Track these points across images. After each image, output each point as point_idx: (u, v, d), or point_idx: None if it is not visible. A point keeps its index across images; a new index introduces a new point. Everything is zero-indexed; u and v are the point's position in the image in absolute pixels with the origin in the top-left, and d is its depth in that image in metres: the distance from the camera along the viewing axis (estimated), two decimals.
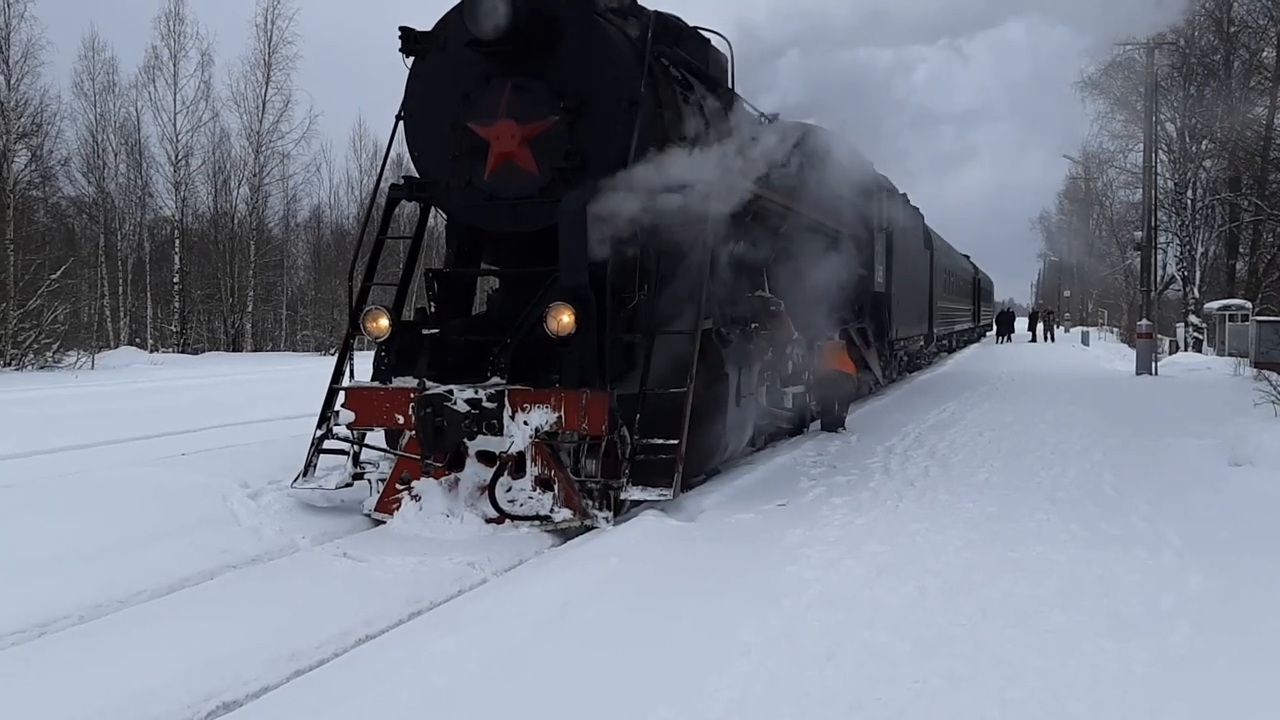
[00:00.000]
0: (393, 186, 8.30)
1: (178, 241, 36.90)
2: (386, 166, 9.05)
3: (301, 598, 5.46)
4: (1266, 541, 6.34)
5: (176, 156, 37.22)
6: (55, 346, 25.68)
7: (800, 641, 4.44)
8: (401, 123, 8.22)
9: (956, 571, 5.61)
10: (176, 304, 36.90)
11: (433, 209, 8.75)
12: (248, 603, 5.39)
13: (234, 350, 37.54)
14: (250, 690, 4.23)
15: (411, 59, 8.13)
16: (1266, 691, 3.95)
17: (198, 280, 38.74)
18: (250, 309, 39.03)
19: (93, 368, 25.90)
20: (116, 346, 32.15)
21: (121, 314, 36.15)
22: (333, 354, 35.85)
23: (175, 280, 36.78)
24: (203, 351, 36.22)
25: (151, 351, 33.15)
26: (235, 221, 39.64)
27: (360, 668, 4.21)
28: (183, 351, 35.32)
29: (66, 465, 8.99)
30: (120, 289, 36.20)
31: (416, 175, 8.27)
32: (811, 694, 3.85)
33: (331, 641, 4.77)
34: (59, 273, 26.54)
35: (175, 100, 37.16)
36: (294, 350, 39.68)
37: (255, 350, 38.36)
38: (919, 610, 4.94)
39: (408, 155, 8.33)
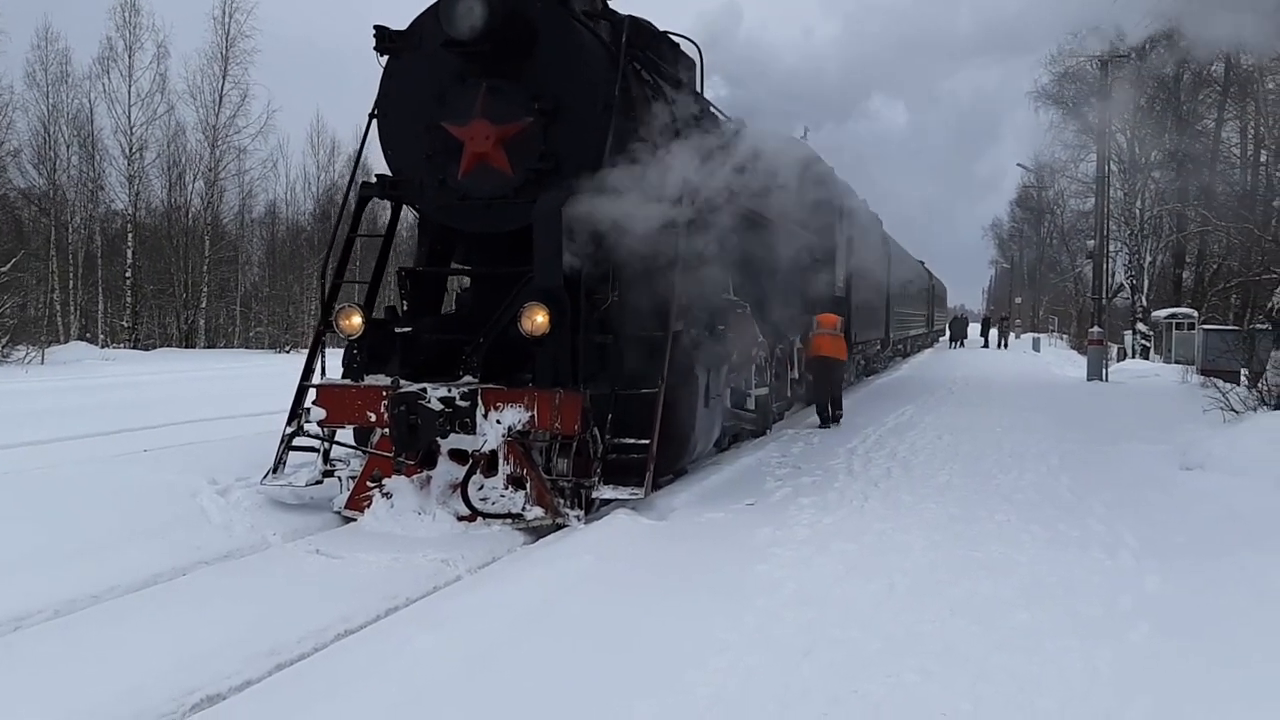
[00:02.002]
0: (365, 184, 8.31)
1: (130, 236, 36.31)
2: (357, 165, 9.02)
3: (277, 594, 5.47)
4: (1219, 544, 6.54)
5: (131, 149, 36.65)
6: (4, 341, 25.19)
7: (776, 638, 4.55)
8: (375, 121, 8.22)
9: (923, 570, 5.75)
10: (128, 299, 36.31)
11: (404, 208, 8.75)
12: (223, 599, 5.39)
13: (187, 346, 37.04)
14: (232, 684, 4.24)
15: (386, 58, 8.14)
16: (1225, 688, 4.10)
17: (150, 275, 38.16)
18: (204, 305, 38.52)
19: (42, 363, 25.44)
20: (67, 341, 31.55)
21: (72, 308, 35.50)
22: (287, 351, 35.64)
23: (127, 275, 36.20)
24: (155, 347, 35.70)
25: (103, 347, 32.60)
26: (189, 216, 39.10)
27: (342, 663, 4.25)
28: (135, 347, 34.76)
29: (25, 462, 8.86)
30: (71, 283, 35.54)
31: (388, 174, 8.27)
32: (791, 688, 3.95)
33: (310, 637, 4.79)
34: (9, 265, 26.04)
35: (130, 92, 36.60)
36: (247, 347, 39.22)
37: (208, 347, 37.90)
38: (889, 608, 5.07)
39: (371, 154, 8.32)
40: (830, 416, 13.09)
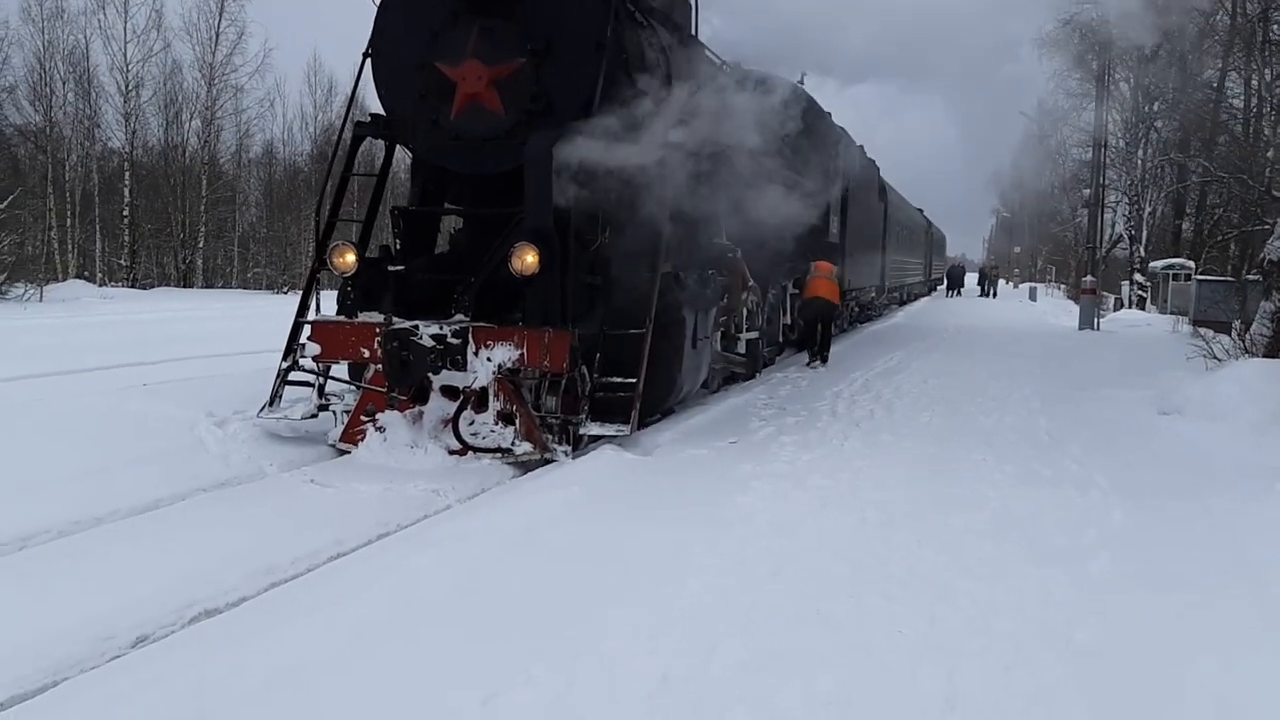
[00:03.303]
0: (358, 124, 8.38)
1: (128, 174, 36.21)
2: (351, 104, 9.08)
3: (272, 518, 5.68)
4: (1186, 484, 6.75)
5: (127, 87, 36.41)
6: (2, 278, 25.27)
7: (749, 562, 4.76)
8: (368, 60, 8.28)
9: (895, 505, 5.96)
10: (126, 238, 36.30)
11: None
12: (220, 523, 5.60)
13: (185, 286, 37.08)
14: (229, 600, 4.45)
15: None
16: (1171, 610, 4.32)
17: (147, 214, 38.08)
18: (201, 245, 38.51)
19: (41, 300, 25.55)
20: (64, 279, 31.62)
21: (70, 247, 35.50)
22: (285, 292, 35.68)
23: (124, 214, 36.15)
24: (152, 287, 35.75)
25: (101, 285, 32.67)
26: (186, 155, 38.94)
27: (337, 580, 4.46)
28: (132, 286, 34.83)
29: (27, 394, 9.03)
30: (68, 221, 35.51)
31: (383, 113, 8.36)
32: (759, 606, 4.17)
33: (304, 558, 5.00)
34: (6, 203, 26.04)
35: (126, 29, 36.26)
36: (245, 288, 39.27)
37: (206, 287, 37.94)
38: (859, 539, 5.28)
39: (366, 94, 8.38)
40: (817, 355, 13.39)
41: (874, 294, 24.35)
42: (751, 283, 11.09)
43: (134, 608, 4.27)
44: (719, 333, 10.02)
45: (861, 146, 19.57)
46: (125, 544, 5.19)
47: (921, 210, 40.52)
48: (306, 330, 7.75)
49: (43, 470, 6.20)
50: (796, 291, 14.85)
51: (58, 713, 3.07)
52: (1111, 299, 32.56)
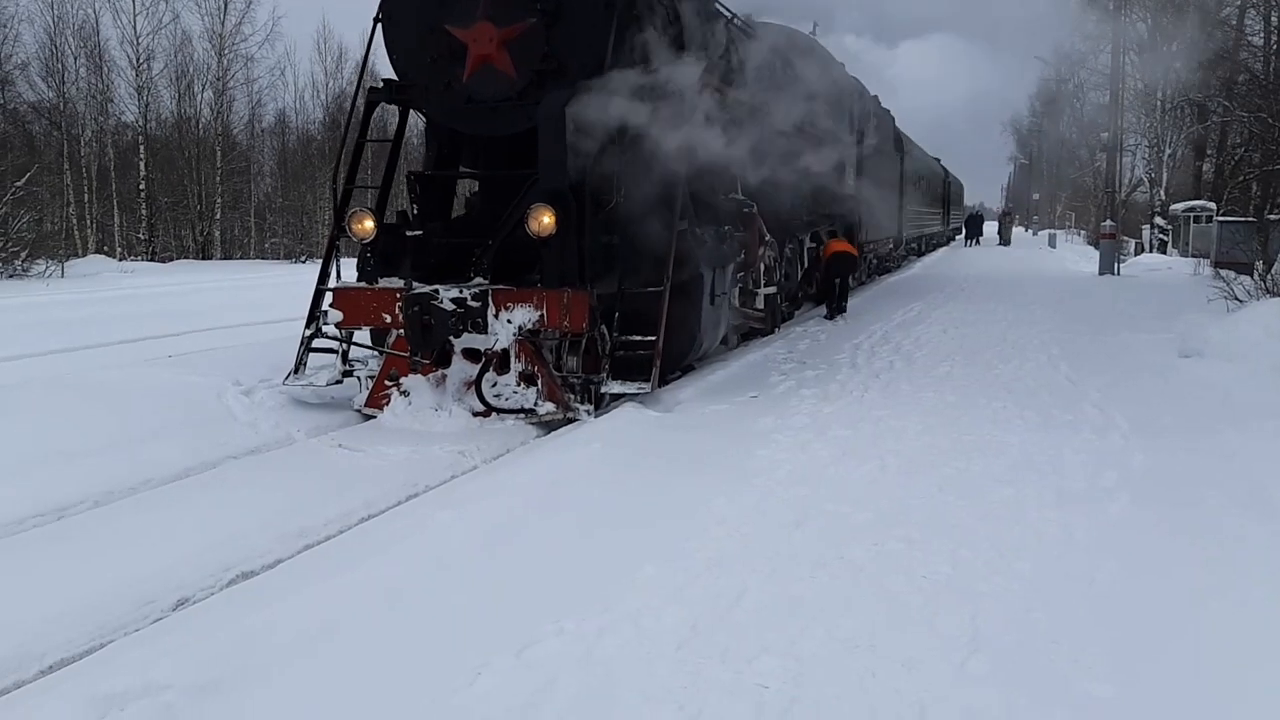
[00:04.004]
0: (372, 89, 8.40)
1: (142, 148, 36.29)
2: (364, 69, 9.10)
3: (302, 484, 5.78)
4: (1207, 424, 6.78)
5: (138, 60, 36.38)
6: (23, 255, 25.46)
7: (770, 512, 4.84)
8: (379, 25, 8.28)
9: (915, 453, 6.02)
10: (143, 212, 36.45)
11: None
12: (252, 488, 5.72)
13: (203, 258, 37.25)
14: (265, 562, 4.57)
15: None
16: (1191, 551, 4.37)
17: (163, 188, 38.19)
18: (218, 216, 38.63)
19: (63, 276, 25.72)
20: (84, 255, 31.83)
21: (88, 222, 35.69)
22: (303, 261, 35.82)
23: (141, 187, 36.28)
24: (171, 260, 35.94)
25: (120, 260, 32.87)
26: (200, 127, 38.95)
27: (369, 540, 4.55)
28: (151, 260, 35.01)
29: (56, 368, 9.18)
30: (85, 197, 35.68)
31: (395, 78, 8.37)
32: (781, 554, 4.25)
33: (336, 520, 5.12)
34: (24, 180, 26.18)
35: (134, 1, 36.17)
36: (263, 258, 39.42)
37: (224, 258, 38.09)
38: (879, 486, 5.35)
39: (377, 60, 8.38)
40: (835, 307, 13.49)
41: (891, 245, 24.23)
42: (769, 237, 11.08)
43: (172, 572, 4.39)
44: (737, 288, 10.04)
45: (876, 97, 19.39)
46: (160, 511, 5.32)
47: (939, 159, 40.16)
48: (328, 298, 7.83)
49: (76, 441, 6.31)
50: (814, 245, 14.84)
51: (107, 672, 3.18)
52: (1132, 243, 32.27)
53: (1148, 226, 33.42)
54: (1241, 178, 29.30)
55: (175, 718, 2.90)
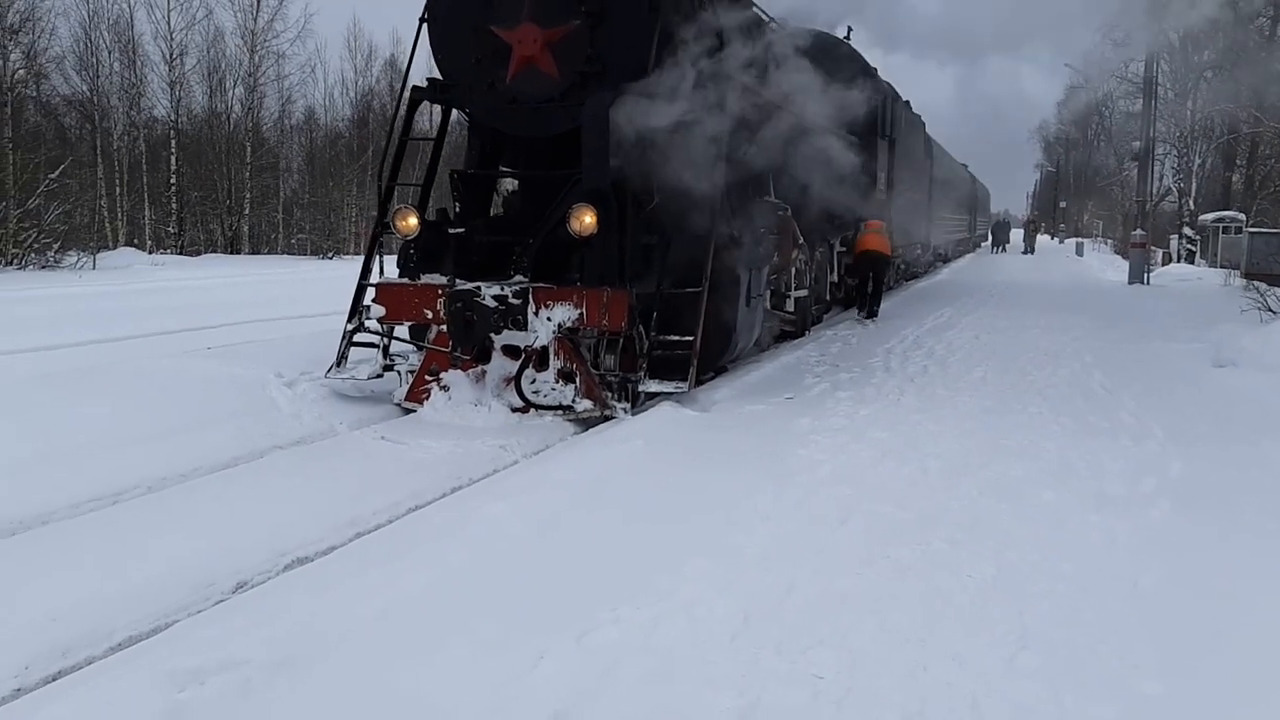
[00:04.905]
0: (416, 88, 8.51)
1: (173, 142, 36.66)
2: (409, 68, 9.20)
3: (348, 473, 5.89)
4: (1243, 433, 6.80)
5: (171, 55, 36.80)
6: (56, 246, 25.76)
7: (814, 510, 4.91)
8: (424, 25, 8.38)
9: (955, 455, 6.07)
10: (173, 205, 36.81)
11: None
12: (300, 477, 5.83)
13: (231, 252, 37.58)
14: (318, 549, 4.66)
15: None
16: (1233, 555, 4.41)
17: (193, 182, 38.56)
18: (247, 211, 38.97)
19: (94, 268, 26.02)
20: (115, 247, 32.19)
21: (119, 215, 36.08)
22: (330, 258, 36.09)
23: (171, 181, 36.65)
24: (200, 253, 36.27)
25: (150, 253, 33.22)
26: (230, 122, 39.31)
27: (420, 529, 4.64)
28: (180, 253, 35.36)
29: (96, 358, 9.32)
30: (117, 190, 36.08)
31: (438, 77, 8.48)
32: (826, 551, 4.32)
33: (385, 510, 5.22)
34: (57, 172, 26.50)
35: None
36: (289, 253, 39.73)
37: (252, 253, 38.42)
38: (921, 488, 5.40)
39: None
40: (869, 309, 13.57)
41: (919, 251, 24.24)
42: (801, 240, 11.14)
43: (229, 556, 4.50)
44: (769, 291, 10.10)
45: (908, 102, 19.42)
46: (212, 499, 5.43)
47: (966, 165, 40.09)
48: (370, 292, 7.94)
49: (124, 430, 6.43)
50: (844, 249, 14.88)
51: (181, 648, 3.28)
52: (1160, 253, 32.12)
53: (1176, 236, 33.25)
54: (1272, 188, 29.14)
55: (254, 691, 3.00)
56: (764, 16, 10.39)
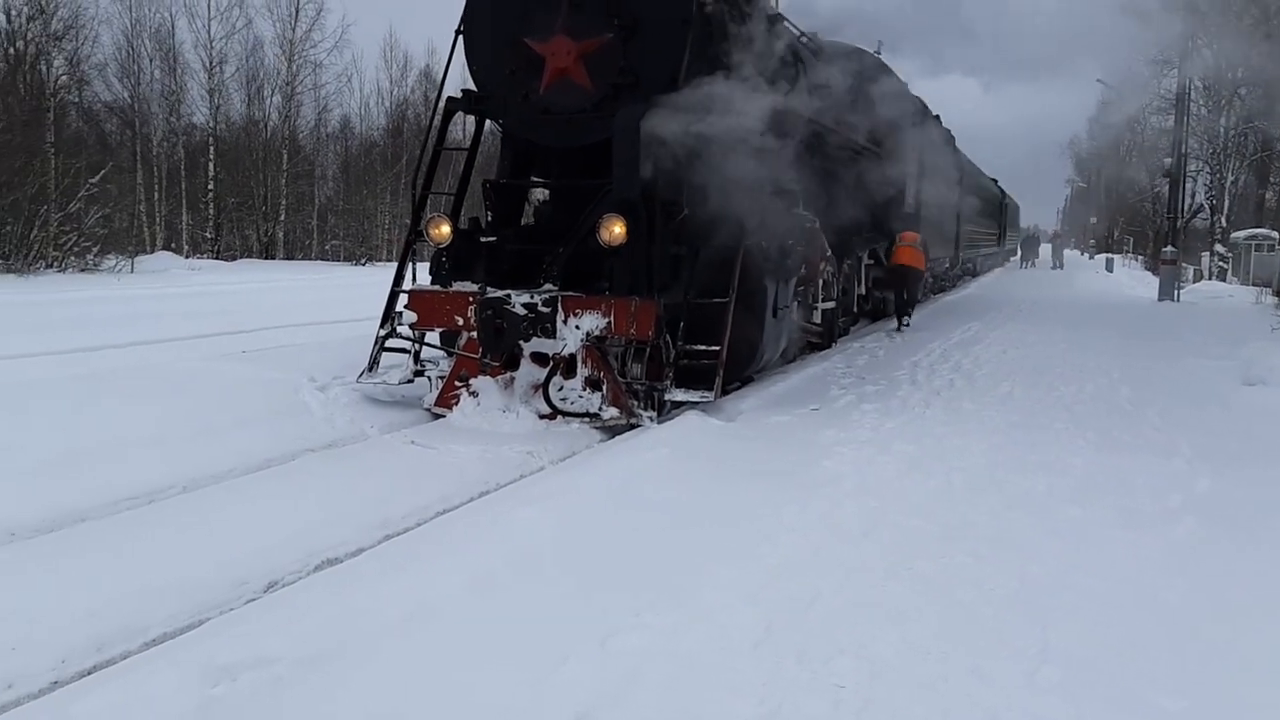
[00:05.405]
0: (450, 99, 8.63)
1: (211, 149, 37.13)
2: (444, 79, 9.33)
3: (379, 476, 5.98)
4: (1272, 451, 6.77)
5: (210, 63, 37.28)
6: (95, 250, 26.14)
7: (839, 522, 4.94)
8: (460, 37, 8.50)
9: (980, 469, 6.08)
10: (210, 211, 37.26)
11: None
12: (331, 479, 5.92)
13: (266, 258, 37.97)
14: (348, 550, 4.75)
15: None
16: (1260, 573, 4.41)
17: (230, 188, 39.01)
18: (283, 217, 39.38)
19: (132, 271, 26.39)
20: (153, 251, 32.61)
21: (157, 220, 36.56)
22: (363, 264, 36.41)
23: (209, 187, 37.11)
24: (236, 259, 36.66)
25: (187, 257, 33.64)
26: (268, 130, 39.76)
27: (449, 532, 4.72)
28: (216, 258, 35.77)
29: (135, 360, 9.49)
30: (155, 195, 36.57)
31: (472, 88, 8.59)
32: (851, 562, 4.35)
33: (415, 513, 5.30)
34: (98, 177, 26.90)
35: (209, 6, 37.06)
36: (323, 259, 40.10)
37: (287, 259, 38.79)
38: (945, 501, 5.42)
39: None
40: (902, 319, 14.25)
41: (948, 264, 24.15)
42: (829, 253, 11.17)
43: (261, 556, 4.59)
44: (796, 302, 10.14)
45: (937, 116, 19.40)
46: (244, 500, 5.52)
47: (995, 180, 39.87)
48: (403, 299, 8.05)
49: (158, 431, 6.56)
50: (872, 262, 14.89)
51: (215, 645, 3.36)
52: (1190, 270, 31.86)
53: (1207, 253, 32.97)
54: None
55: (285, 688, 3.07)
56: (795, 30, 10.44)
